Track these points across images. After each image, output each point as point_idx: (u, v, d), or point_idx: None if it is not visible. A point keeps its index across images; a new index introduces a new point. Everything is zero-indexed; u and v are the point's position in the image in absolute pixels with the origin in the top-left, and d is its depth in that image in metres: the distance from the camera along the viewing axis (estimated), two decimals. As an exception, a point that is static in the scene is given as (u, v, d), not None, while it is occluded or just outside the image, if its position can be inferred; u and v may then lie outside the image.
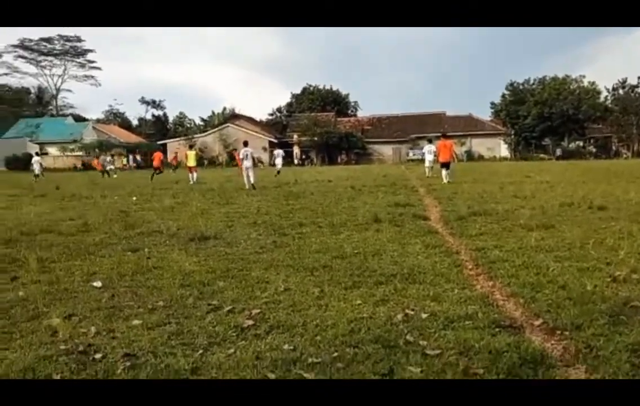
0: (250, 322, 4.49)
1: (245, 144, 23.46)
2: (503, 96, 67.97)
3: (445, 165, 22.21)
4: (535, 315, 4.50)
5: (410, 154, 60.35)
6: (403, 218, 10.59)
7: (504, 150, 63.55)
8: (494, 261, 6.54)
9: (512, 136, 64.00)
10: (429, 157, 26.59)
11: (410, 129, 64.58)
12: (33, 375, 3.56)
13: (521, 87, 67.02)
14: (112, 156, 49.20)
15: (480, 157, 60.22)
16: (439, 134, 31.64)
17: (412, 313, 4.60)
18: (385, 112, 71.68)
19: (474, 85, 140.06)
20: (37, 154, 41.90)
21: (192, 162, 27.63)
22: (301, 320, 4.53)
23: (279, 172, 32.44)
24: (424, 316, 4.50)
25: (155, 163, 32.83)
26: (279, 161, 34.21)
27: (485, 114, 70.31)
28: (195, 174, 26.59)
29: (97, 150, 62.78)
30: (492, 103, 70.10)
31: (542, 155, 59.82)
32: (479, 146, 62.68)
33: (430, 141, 28.62)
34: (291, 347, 3.93)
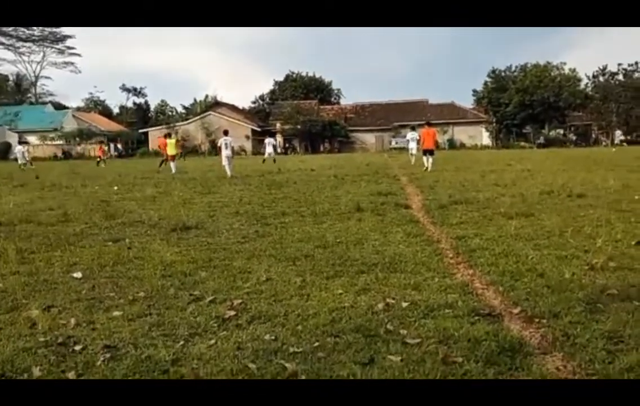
0: (232, 312, 4.49)
1: (226, 133, 23.48)
2: (485, 83, 68.17)
3: (429, 152, 22.39)
4: (514, 303, 4.56)
5: (393, 142, 60.38)
6: (385, 207, 10.64)
7: (485, 138, 63.82)
8: (474, 250, 6.61)
9: (494, 124, 64.27)
10: (412, 145, 26.71)
11: (393, 117, 64.55)
12: (12, 368, 3.53)
13: (503, 74, 67.22)
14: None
15: (462, 146, 60.45)
16: (421, 122, 31.76)
17: (393, 302, 4.64)
18: (369, 100, 71.63)
19: (456, 72, 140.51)
20: (20, 142, 41.19)
21: (171, 151, 27.39)
22: (283, 310, 4.54)
23: (274, 160, 32.22)
24: (405, 305, 4.54)
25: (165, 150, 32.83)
26: (270, 150, 34.01)
27: (467, 102, 70.60)
28: (173, 163, 26.35)
29: (78, 136, 62.16)
30: (474, 90, 70.36)
31: (523, 143, 60.18)
32: (461, 133, 62.91)
33: (413, 129, 28.74)
34: (272, 337, 3.95)
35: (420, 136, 24.82)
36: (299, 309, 4.54)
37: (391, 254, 6.49)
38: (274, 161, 32.31)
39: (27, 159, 36.09)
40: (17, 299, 5.04)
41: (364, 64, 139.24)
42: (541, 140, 60.48)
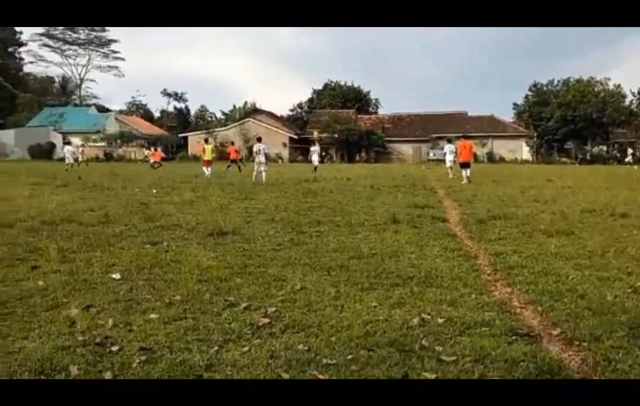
0: (266, 320, 4.50)
1: (259, 140, 23.91)
2: (526, 97, 67.10)
3: (466, 165, 22.27)
4: (554, 324, 4.45)
5: (431, 153, 59.80)
6: (422, 220, 10.53)
7: (525, 152, 62.69)
8: (512, 267, 6.48)
9: (535, 139, 63.14)
10: (449, 158, 26.51)
11: (431, 128, 63.98)
12: (50, 366, 3.60)
13: (545, 88, 66.05)
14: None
15: (502, 159, 59.54)
16: (459, 135, 31.45)
17: (428, 317, 4.58)
18: (407, 111, 71.26)
19: (496, 85, 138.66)
20: (67, 143, 42.24)
21: (208, 156, 27.88)
22: (316, 320, 4.53)
23: (315, 168, 32.22)
24: (440, 321, 4.48)
25: (232, 155, 33.48)
26: (315, 158, 34.36)
27: (507, 115, 69.53)
28: (209, 169, 26.77)
29: (119, 139, 63.49)
30: (515, 104, 69.28)
31: (564, 159, 58.98)
32: (501, 147, 61.96)
33: (449, 141, 28.52)
34: (306, 347, 3.94)
35: (457, 148, 24.73)
36: (332, 320, 4.52)
37: (427, 268, 6.41)
38: (315, 169, 32.35)
39: (82, 158, 37.22)
40: (57, 297, 5.16)
41: (403, 75, 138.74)
42: (583, 156, 59.12)
